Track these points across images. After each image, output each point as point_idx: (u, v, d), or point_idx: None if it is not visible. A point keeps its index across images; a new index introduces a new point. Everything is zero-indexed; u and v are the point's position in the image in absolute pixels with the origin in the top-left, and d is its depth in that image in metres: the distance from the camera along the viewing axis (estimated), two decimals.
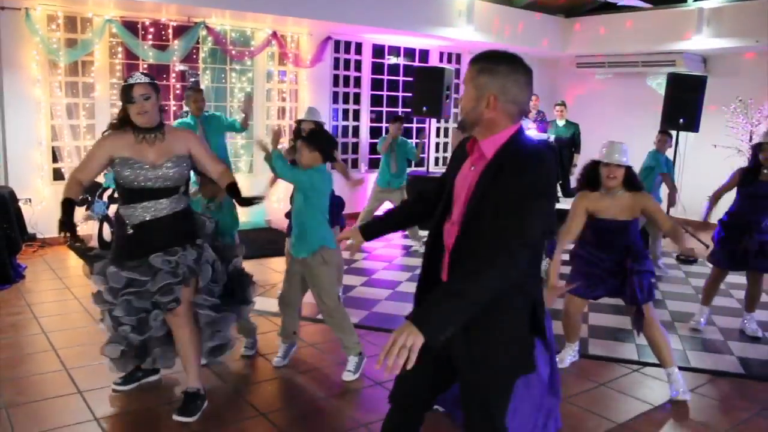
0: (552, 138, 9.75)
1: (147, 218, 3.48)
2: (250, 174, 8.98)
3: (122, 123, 3.49)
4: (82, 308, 5.40)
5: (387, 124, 10.30)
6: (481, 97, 2.16)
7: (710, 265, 5.52)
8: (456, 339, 2.17)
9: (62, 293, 5.79)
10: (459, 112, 2.32)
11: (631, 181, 4.16)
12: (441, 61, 10.77)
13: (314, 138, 4.08)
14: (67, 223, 3.41)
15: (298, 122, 6.15)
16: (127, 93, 3.41)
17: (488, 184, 2.14)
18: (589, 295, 4.40)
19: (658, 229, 6.75)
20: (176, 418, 3.56)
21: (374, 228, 2.73)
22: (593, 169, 4.21)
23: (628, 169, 4.15)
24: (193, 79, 7.86)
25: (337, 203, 4.92)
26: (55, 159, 7.61)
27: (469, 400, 2.31)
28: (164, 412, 3.68)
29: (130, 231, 3.48)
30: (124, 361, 3.77)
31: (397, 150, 7.71)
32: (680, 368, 4.26)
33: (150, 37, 7.86)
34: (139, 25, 7.81)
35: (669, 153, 7.72)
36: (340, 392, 4.04)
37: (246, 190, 3.87)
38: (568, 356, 4.61)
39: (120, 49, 7.79)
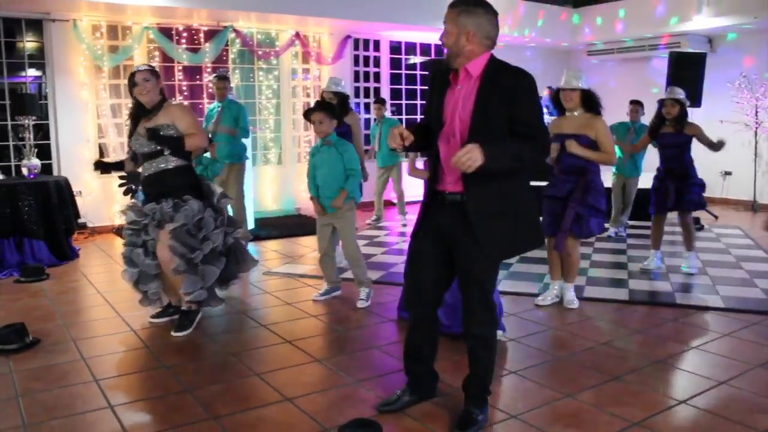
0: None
1: (145, 174, 4.45)
2: (280, 165, 9.64)
3: (135, 109, 4.46)
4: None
5: (407, 117, 10.94)
6: (461, 33, 2.78)
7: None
8: (461, 228, 2.86)
9: (112, 267, 6.49)
10: (443, 46, 2.91)
11: (589, 103, 4.76)
12: None
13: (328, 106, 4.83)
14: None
15: (322, 94, 6.60)
16: (131, 80, 4.37)
17: (489, 93, 2.76)
18: (553, 232, 4.88)
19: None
20: (174, 334, 4.37)
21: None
22: (557, 96, 4.86)
23: (585, 93, 4.76)
24: (220, 70, 8.54)
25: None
26: (101, 154, 8.35)
27: (469, 272, 2.93)
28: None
29: (140, 187, 4.41)
30: (146, 301, 4.61)
31: (384, 129, 8.44)
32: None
33: (183, 41, 8.60)
34: (173, 31, 8.56)
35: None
36: (355, 326, 4.62)
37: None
38: (550, 293, 5.12)
39: (157, 53, 8.53)
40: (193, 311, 4.53)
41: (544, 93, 11.00)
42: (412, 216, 4.24)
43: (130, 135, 4.48)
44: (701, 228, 8.32)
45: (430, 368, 3.29)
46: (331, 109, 4.86)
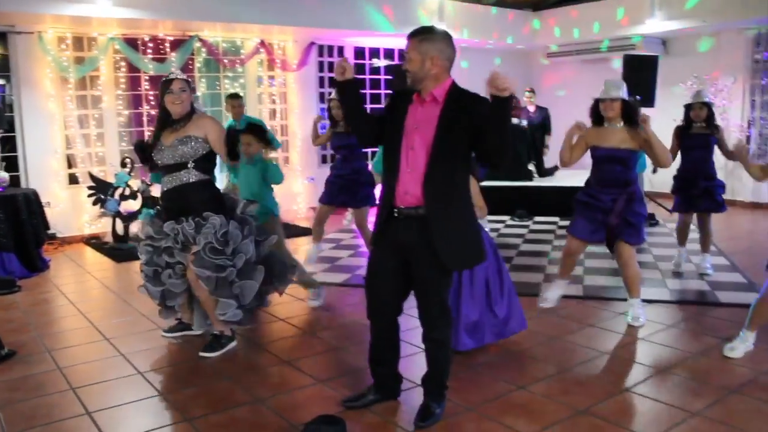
0: (524, 122, 10.50)
1: (165, 189, 4.28)
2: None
3: (163, 117, 4.29)
4: (101, 285, 6.25)
5: None
6: (426, 59, 3.03)
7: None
8: (419, 241, 3.08)
9: (83, 276, 6.61)
10: (408, 74, 3.13)
11: (629, 116, 4.61)
12: None
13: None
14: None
15: (329, 102, 6.49)
16: (165, 86, 4.20)
17: (453, 116, 3.03)
18: (590, 238, 4.74)
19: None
20: (201, 354, 4.27)
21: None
22: (596, 106, 4.81)
23: (624, 103, 4.63)
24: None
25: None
26: (69, 165, 8.44)
27: (424, 280, 3.17)
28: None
29: (160, 198, 4.33)
30: (166, 313, 4.54)
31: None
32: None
33: (149, 51, 8.70)
34: (139, 41, 8.66)
35: None
36: (322, 328, 4.83)
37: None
38: (555, 291, 5.07)
39: (123, 63, 8.61)
40: (226, 336, 4.39)
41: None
42: None
43: (154, 145, 4.28)
44: (656, 223, 8.67)
45: (394, 371, 3.52)
46: (259, 133, 4.97)
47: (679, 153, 6.18)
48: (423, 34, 3.07)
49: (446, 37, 3.09)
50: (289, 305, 5.37)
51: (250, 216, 4.41)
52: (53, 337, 4.75)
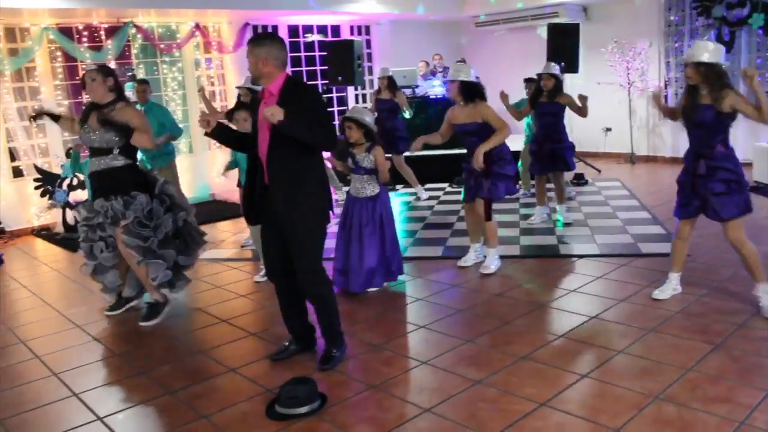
0: None
1: (93, 170, 4.73)
2: (191, 153, 9.94)
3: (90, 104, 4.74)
4: (59, 275, 6.43)
5: None
6: (258, 61, 3.54)
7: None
8: (281, 209, 3.61)
9: (39, 268, 6.76)
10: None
11: (468, 93, 5.33)
12: (352, 33, 11.82)
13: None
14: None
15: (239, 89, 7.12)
16: (82, 79, 4.69)
17: (285, 108, 3.45)
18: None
19: None
20: (141, 323, 4.79)
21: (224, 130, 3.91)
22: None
23: (462, 84, 5.31)
24: (129, 74, 8.73)
25: None
26: (12, 158, 8.44)
27: (291, 244, 3.67)
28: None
29: (86, 178, 4.70)
30: (108, 290, 5.02)
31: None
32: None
33: (85, 39, 8.70)
34: (74, 30, 8.65)
35: None
36: None
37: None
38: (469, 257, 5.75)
39: (59, 53, 8.61)
40: (161, 303, 4.87)
41: (434, 60, 11.71)
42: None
43: (81, 126, 4.72)
44: (585, 182, 9.25)
45: (304, 323, 4.03)
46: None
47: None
48: (253, 42, 3.60)
49: (273, 40, 3.61)
50: (248, 283, 5.68)
51: (167, 194, 4.90)
52: (24, 329, 4.94)
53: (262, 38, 3.63)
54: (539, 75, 6.93)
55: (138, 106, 7.43)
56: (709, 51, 4.15)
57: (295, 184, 3.61)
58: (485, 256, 5.62)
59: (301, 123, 3.47)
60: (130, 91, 7.95)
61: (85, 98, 8.74)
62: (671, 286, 4.64)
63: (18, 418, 3.50)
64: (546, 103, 6.84)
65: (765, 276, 4.30)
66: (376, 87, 9.33)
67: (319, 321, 3.88)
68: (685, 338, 3.95)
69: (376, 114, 8.60)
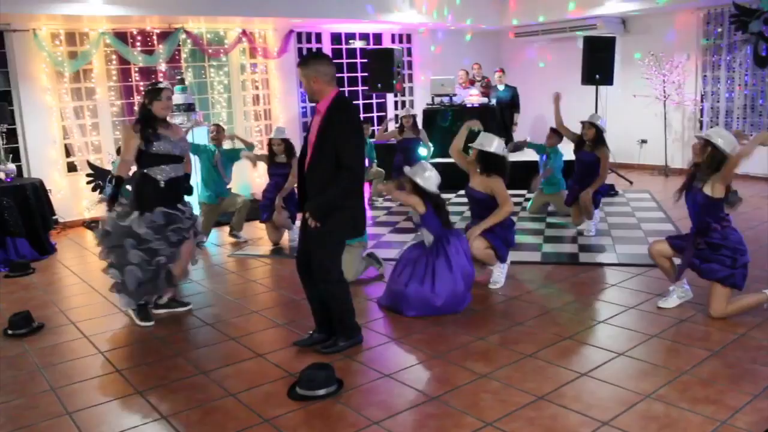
0: (494, 101, 11.16)
1: (172, 176, 4.94)
2: None
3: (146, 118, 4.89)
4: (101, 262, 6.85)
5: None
6: (308, 80, 3.90)
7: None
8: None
9: (88, 257, 7.23)
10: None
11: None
12: (393, 42, 12.17)
13: None
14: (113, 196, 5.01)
15: (270, 140, 7.41)
16: (157, 93, 4.84)
17: (326, 127, 3.85)
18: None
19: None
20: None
21: None
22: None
23: (481, 153, 5.35)
24: (179, 77, 9.19)
25: None
26: (68, 154, 9.00)
27: (309, 238, 4.06)
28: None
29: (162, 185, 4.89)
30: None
31: None
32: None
33: (138, 44, 9.24)
34: (128, 35, 9.19)
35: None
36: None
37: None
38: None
39: (114, 56, 9.15)
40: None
41: (473, 69, 11.94)
42: None
43: (152, 134, 4.81)
44: (616, 194, 9.40)
45: (325, 314, 4.29)
46: None
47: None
48: (302, 63, 3.94)
49: (317, 59, 3.96)
50: (278, 277, 6.05)
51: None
52: (75, 312, 5.38)
53: (308, 58, 3.96)
54: (582, 123, 7.13)
55: (213, 146, 7.76)
56: (722, 137, 4.35)
57: (319, 198, 3.93)
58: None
59: (328, 199, 3.88)
60: (179, 94, 8.44)
61: (137, 99, 9.29)
62: (675, 295, 4.84)
63: (69, 388, 3.91)
64: (587, 153, 7.12)
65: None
66: (398, 123, 9.57)
67: (333, 315, 4.24)
68: (685, 344, 4.17)
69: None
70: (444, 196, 5.31)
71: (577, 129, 7.28)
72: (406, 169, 5.11)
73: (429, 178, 5.00)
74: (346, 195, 3.95)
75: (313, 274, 4.11)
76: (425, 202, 4.99)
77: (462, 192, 8.82)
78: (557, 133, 7.81)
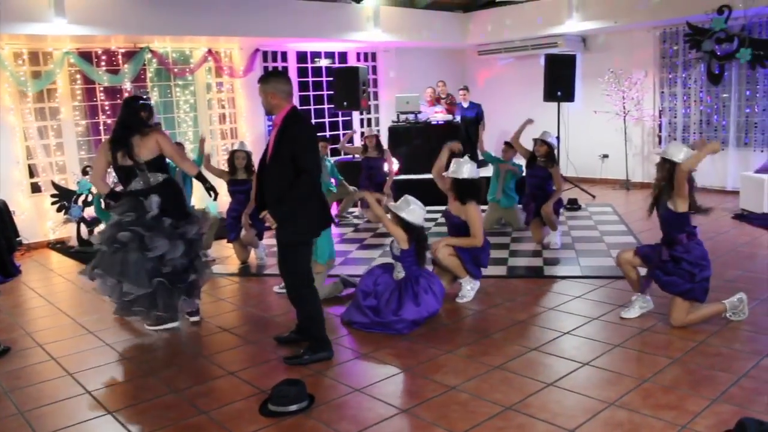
0: (458, 118, 11.33)
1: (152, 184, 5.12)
2: None
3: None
4: (73, 286, 6.82)
5: (316, 120, 11.79)
6: (266, 95, 4.19)
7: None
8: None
9: (54, 279, 7.17)
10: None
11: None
12: (358, 60, 12.31)
13: None
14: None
15: (232, 152, 7.46)
16: (139, 109, 5.08)
17: (282, 136, 4.09)
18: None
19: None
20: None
21: None
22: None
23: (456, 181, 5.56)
24: (145, 96, 9.17)
25: None
26: (31, 175, 8.90)
27: (278, 258, 4.40)
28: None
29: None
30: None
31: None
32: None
33: (103, 63, 9.20)
34: (93, 54, 9.15)
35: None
36: (278, 313, 5.53)
37: (196, 188, 5.61)
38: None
39: (78, 76, 9.10)
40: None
41: (438, 87, 12.09)
42: None
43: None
44: (578, 207, 9.60)
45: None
46: None
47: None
48: (261, 79, 4.24)
49: (277, 77, 4.28)
50: (245, 295, 6.06)
51: None
52: (41, 334, 5.33)
53: (268, 76, 4.28)
54: (534, 140, 7.37)
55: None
56: (684, 153, 4.49)
57: (279, 202, 4.15)
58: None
59: (282, 204, 4.12)
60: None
61: (102, 119, 9.25)
62: (637, 306, 4.99)
63: (37, 411, 3.88)
64: (540, 168, 7.34)
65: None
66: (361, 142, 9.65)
67: (299, 321, 4.54)
68: (647, 353, 4.30)
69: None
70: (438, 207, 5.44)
71: (530, 145, 7.48)
72: (391, 205, 5.20)
73: (413, 211, 5.05)
74: (304, 197, 4.17)
75: (285, 281, 4.44)
76: (409, 239, 5.04)
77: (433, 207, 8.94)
78: (511, 147, 8.01)
